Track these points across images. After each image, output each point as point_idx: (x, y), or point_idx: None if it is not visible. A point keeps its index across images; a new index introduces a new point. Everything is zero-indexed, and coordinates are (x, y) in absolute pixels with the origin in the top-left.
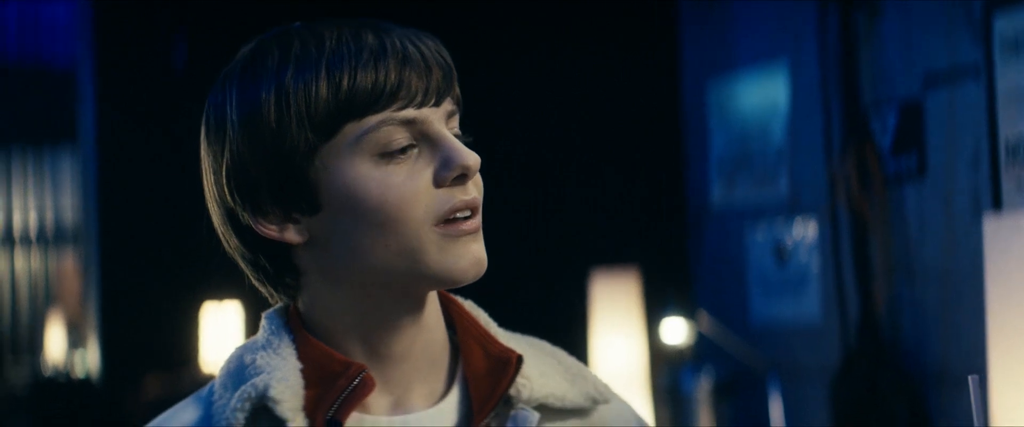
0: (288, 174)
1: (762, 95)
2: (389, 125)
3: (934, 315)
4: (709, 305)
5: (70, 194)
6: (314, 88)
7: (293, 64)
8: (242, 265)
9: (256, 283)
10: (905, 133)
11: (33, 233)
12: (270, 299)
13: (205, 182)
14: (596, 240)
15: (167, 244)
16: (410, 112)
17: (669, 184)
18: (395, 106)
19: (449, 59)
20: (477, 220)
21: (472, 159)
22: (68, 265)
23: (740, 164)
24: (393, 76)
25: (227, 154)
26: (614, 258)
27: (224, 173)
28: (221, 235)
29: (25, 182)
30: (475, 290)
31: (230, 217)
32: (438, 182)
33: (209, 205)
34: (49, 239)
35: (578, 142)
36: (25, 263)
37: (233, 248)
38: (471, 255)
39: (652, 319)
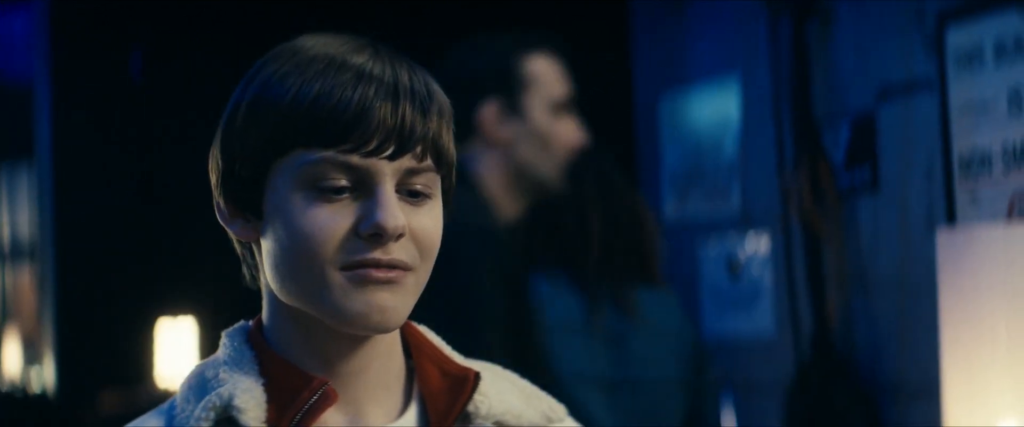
0: (246, 172)
1: (714, 109)
2: (329, 164)
3: (888, 328)
4: None
5: (26, 210)
6: (281, 103)
7: (283, 72)
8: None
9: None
10: (858, 146)
11: None
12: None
13: None
14: None
15: (123, 260)
16: (354, 159)
17: None
18: (342, 147)
19: (439, 117)
20: (394, 273)
21: (391, 223)
22: (24, 281)
23: (692, 178)
24: (351, 117)
25: (220, 131)
26: None
27: (219, 144)
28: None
29: None
30: (428, 309)
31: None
32: (358, 232)
33: None
34: (5, 255)
35: None
36: None
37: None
38: (372, 302)
39: None
